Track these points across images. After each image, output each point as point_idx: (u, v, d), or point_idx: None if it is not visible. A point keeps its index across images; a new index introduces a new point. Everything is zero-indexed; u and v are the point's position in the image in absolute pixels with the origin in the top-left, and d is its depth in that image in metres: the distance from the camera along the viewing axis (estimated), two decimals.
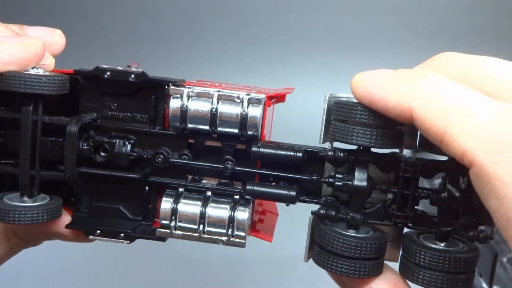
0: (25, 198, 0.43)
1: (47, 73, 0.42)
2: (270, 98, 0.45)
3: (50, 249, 0.69)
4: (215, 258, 1.00)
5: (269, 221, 0.53)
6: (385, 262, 0.43)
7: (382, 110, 0.37)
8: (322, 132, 0.43)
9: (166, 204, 0.44)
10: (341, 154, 0.42)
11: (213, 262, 1.00)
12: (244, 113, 0.43)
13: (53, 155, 0.44)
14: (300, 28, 1.19)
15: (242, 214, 0.44)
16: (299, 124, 0.96)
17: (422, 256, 0.40)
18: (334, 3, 1.19)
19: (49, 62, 0.45)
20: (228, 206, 0.44)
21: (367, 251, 0.40)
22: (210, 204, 0.44)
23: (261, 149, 0.43)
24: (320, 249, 0.42)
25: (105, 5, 1.15)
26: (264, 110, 0.44)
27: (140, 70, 0.44)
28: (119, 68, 0.44)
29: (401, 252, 0.43)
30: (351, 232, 0.42)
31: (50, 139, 0.44)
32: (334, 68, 1.18)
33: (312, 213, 0.44)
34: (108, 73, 0.44)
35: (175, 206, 0.44)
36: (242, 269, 1.00)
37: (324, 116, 0.43)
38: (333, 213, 0.43)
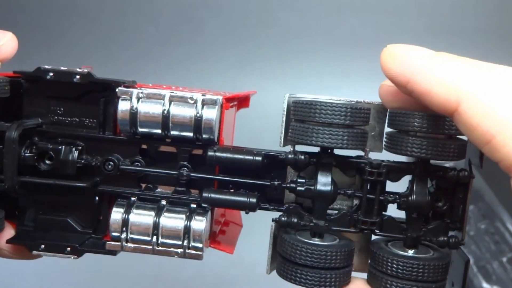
0: None
1: None
2: (228, 100, 0.42)
3: None
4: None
5: (231, 233, 0.49)
6: (353, 273, 0.40)
7: (420, 94, 0.33)
8: (282, 135, 0.41)
9: (116, 214, 0.41)
10: (302, 157, 0.40)
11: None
12: (198, 115, 0.39)
13: None
14: (300, 28, 1.19)
15: (199, 224, 0.40)
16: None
17: (390, 264, 0.37)
18: (334, 3, 1.19)
19: None
20: (183, 216, 0.41)
21: (332, 259, 0.37)
22: (164, 213, 0.41)
23: (217, 153, 0.40)
24: (283, 259, 0.39)
25: (105, 5, 1.15)
26: (221, 113, 0.41)
27: (85, 70, 0.41)
28: (62, 68, 0.41)
29: (369, 261, 0.40)
30: (315, 241, 0.39)
31: None
32: (334, 68, 1.19)
33: (273, 220, 0.41)
34: (51, 74, 0.40)
35: (126, 216, 0.41)
36: None
37: (284, 118, 0.41)
38: (296, 220, 0.40)
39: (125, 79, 0.42)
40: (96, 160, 0.42)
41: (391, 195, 0.40)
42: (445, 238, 0.40)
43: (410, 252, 0.39)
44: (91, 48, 1.12)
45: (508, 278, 0.90)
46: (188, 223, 0.41)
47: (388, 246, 0.40)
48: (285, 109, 0.41)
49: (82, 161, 0.41)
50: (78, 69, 0.41)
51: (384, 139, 0.40)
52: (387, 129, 0.41)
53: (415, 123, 0.37)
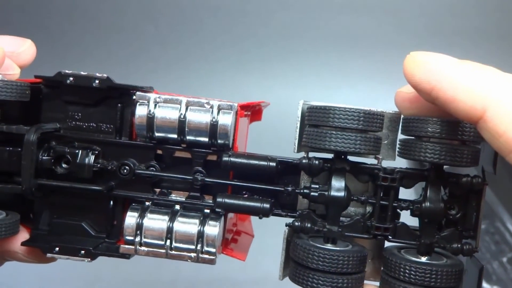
0: None
1: (4, 79, 0.40)
2: (242, 107, 0.43)
3: None
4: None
5: (243, 241, 0.50)
6: (366, 281, 0.40)
7: (445, 101, 0.33)
8: (297, 141, 0.41)
9: (130, 218, 0.41)
10: (316, 162, 0.40)
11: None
12: (214, 120, 0.40)
13: (10, 166, 0.41)
14: (300, 28, 1.19)
15: (212, 229, 0.41)
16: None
17: (403, 270, 0.37)
18: (334, 3, 1.19)
19: (13, 72, 0.43)
20: (197, 221, 0.41)
21: (345, 264, 0.37)
22: (178, 218, 0.41)
23: (232, 158, 0.41)
24: (295, 264, 0.39)
25: (104, 5, 1.15)
26: (236, 120, 0.41)
27: (105, 75, 0.41)
28: (82, 73, 0.42)
29: (382, 268, 0.41)
30: (328, 246, 0.39)
31: (8, 149, 0.41)
32: (334, 68, 1.18)
33: (287, 225, 0.41)
34: (71, 78, 0.41)
35: (140, 220, 0.41)
36: None
37: (298, 124, 0.41)
38: (309, 225, 0.40)
39: (143, 85, 0.43)
40: (112, 164, 0.42)
41: (405, 202, 0.41)
42: (459, 245, 0.40)
43: (423, 259, 0.39)
44: (91, 48, 1.12)
45: (508, 278, 0.90)
46: (202, 228, 0.41)
47: (401, 253, 0.40)
48: (300, 116, 0.41)
49: (98, 165, 0.42)
50: (97, 74, 0.42)
51: (398, 146, 0.41)
52: (400, 137, 0.41)
53: (430, 129, 0.37)
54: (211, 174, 0.43)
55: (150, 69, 1.11)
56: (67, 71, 0.42)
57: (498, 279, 0.90)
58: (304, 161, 0.40)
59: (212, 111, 0.41)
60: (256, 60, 1.17)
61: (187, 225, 0.41)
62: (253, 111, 0.51)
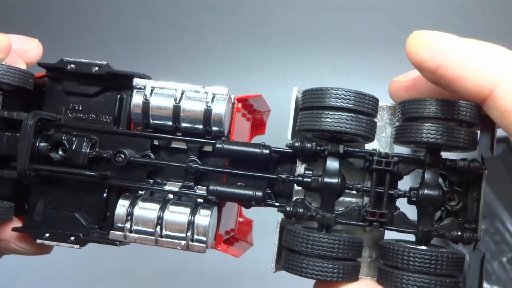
0: None
1: (6, 64, 0.41)
2: (239, 100, 0.43)
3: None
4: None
5: (241, 246, 0.49)
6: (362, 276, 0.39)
7: (451, 79, 0.32)
8: (290, 127, 0.41)
9: (121, 207, 0.41)
10: (309, 145, 0.39)
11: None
12: (208, 106, 0.40)
13: (7, 151, 0.42)
14: (300, 28, 1.19)
15: (203, 219, 0.41)
16: None
17: (401, 257, 0.36)
18: (335, 2, 1.19)
19: (20, 67, 0.43)
20: (188, 210, 0.41)
21: (340, 249, 0.36)
22: (170, 207, 0.41)
23: (225, 145, 0.41)
24: (289, 252, 0.38)
25: (104, 4, 1.15)
26: (233, 111, 0.42)
27: (104, 62, 0.42)
28: (83, 60, 0.43)
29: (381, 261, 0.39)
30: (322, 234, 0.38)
31: (6, 133, 0.42)
32: (334, 68, 1.18)
33: (279, 210, 0.40)
34: (72, 65, 0.42)
35: (131, 209, 0.41)
36: None
37: (292, 110, 0.41)
38: (302, 210, 0.39)
39: (141, 73, 0.43)
40: (107, 152, 0.43)
41: (401, 190, 0.39)
42: (459, 233, 0.38)
43: (422, 248, 0.38)
44: (90, 47, 1.12)
45: (508, 278, 0.90)
46: (193, 217, 0.41)
47: (399, 243, 0.39)
48: (293, 103, 0.41)
49: (94, 153, 0.42)
50: (97, 61, 0.42)
51: (394, 133, 0.40)
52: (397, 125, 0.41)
53: (426, 108, 0.36)
54: (206, 164, 0.43)
55: (149, 67, 1.11)
56: (69, 58, 0.43)
57: (498, 279, 0.90)
58: (296, 144, 0.40)
59: (207, 98, 0.41)
60: (254, 59, 1.17)
61: (177, 214, 0.41)
62: (254, 120, 0.51)
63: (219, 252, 0.44)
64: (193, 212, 0.41)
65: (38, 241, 0.42)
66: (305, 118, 0.38)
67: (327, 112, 0.37)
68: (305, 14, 1.19)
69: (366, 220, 0.39)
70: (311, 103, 0.38)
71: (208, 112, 0.41)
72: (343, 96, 0.37)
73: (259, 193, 0.40)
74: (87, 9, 1.14)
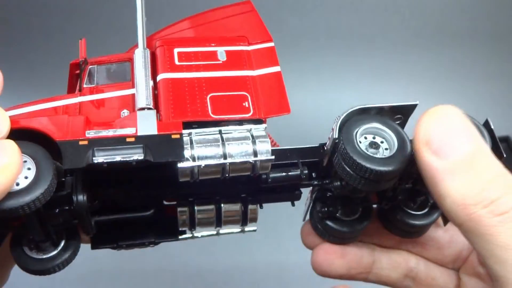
0: None
1: None
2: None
3: None
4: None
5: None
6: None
7: (438, 195, 0.37)
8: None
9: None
10: None
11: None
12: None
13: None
14: (300, 28, 1.19)
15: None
16: (301, 123, 0.95)
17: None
18: (335, 2, 1.19)
19: None
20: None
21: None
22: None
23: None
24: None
25: (104, 5, 1.14)
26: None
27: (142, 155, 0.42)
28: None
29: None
30: None
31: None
32: (334, 68, 1.18)
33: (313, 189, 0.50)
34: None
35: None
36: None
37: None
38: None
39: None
40: None
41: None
42: None
43: None
44: (90, 47, 1.12)
45: None
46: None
47: None
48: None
49: None
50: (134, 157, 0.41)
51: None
52: None
53: None
54: None
55: None
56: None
57: None
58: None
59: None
60: None
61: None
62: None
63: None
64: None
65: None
66: None
67: None
68: (305, 14, 1.19)
69: None
70: None
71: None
72: None
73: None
74: (87, 9, 1.14)
